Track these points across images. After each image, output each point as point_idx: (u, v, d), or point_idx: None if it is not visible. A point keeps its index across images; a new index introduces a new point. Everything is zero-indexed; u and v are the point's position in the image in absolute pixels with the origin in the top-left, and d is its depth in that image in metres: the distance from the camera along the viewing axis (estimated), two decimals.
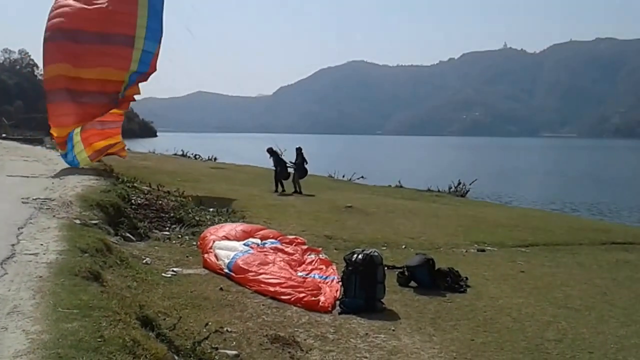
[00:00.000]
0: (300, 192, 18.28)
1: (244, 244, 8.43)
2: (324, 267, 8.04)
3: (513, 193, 32.97)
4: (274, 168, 18.93)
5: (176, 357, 4.32)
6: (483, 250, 10.59)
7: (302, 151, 19.09)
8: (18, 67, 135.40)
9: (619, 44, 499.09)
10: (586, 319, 6.54)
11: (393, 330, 5.93)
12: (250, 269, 7.30)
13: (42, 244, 6.32)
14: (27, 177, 12.85)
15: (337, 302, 6.66)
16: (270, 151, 18.89)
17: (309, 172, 19.52)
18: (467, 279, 7.90)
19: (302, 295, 6.66)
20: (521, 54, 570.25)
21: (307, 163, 19.14)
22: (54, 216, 8.09)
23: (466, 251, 10.49)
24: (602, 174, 53.04)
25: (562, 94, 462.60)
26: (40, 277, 5.06)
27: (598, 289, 7.95)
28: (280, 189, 18.60)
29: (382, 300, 6.68)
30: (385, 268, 7.10)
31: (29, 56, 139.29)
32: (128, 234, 9.22)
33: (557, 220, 15.63)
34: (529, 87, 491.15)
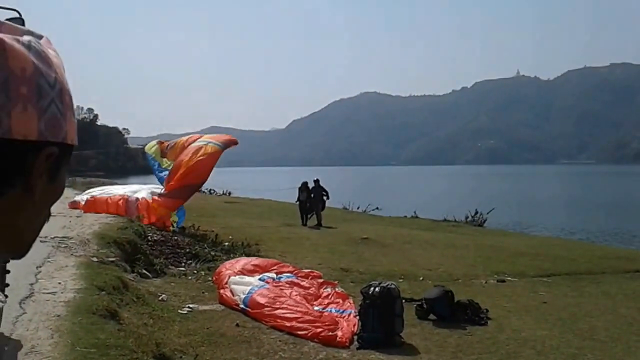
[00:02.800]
0: (320, 225, 18.44)
1: (260, 279, 8.37)
2: (340, 301, 7.94)
3: (533, 222, 32.37)
4: (297, 201, 19.17)
5: None
6: (503, 281, 10.37)
7: (320, 183, 19.21)
8: None
9: (635, 69, 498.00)
10: (612, 351, 6.34)
11: None
12: (266, 304, 7.24)
13: (59, 283, 6.35)
14: None
15: (355, 337, 6.55)
16: (304, 186, 19.07)
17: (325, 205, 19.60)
18: (487, 310, 7.72)
19: (319, 330, 6.55)
20: (535, 81, 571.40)
21: (325, 194, 19.20)
22: (71, 254, 8.15)
23: (486, 282, 10.30)
24: (625, 201, 51.98)
25: (578, 121, 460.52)
26: (58, 316, 5.07)
27: (624, 319, 7.72)
28: (307, 222, 18.88)
29: (400, 334, 6.56)
30: (403, 301, 7.00)
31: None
32: (144, 271, 9.23)
33: (579, 248, 15.32)
34: (544, 114, 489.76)
